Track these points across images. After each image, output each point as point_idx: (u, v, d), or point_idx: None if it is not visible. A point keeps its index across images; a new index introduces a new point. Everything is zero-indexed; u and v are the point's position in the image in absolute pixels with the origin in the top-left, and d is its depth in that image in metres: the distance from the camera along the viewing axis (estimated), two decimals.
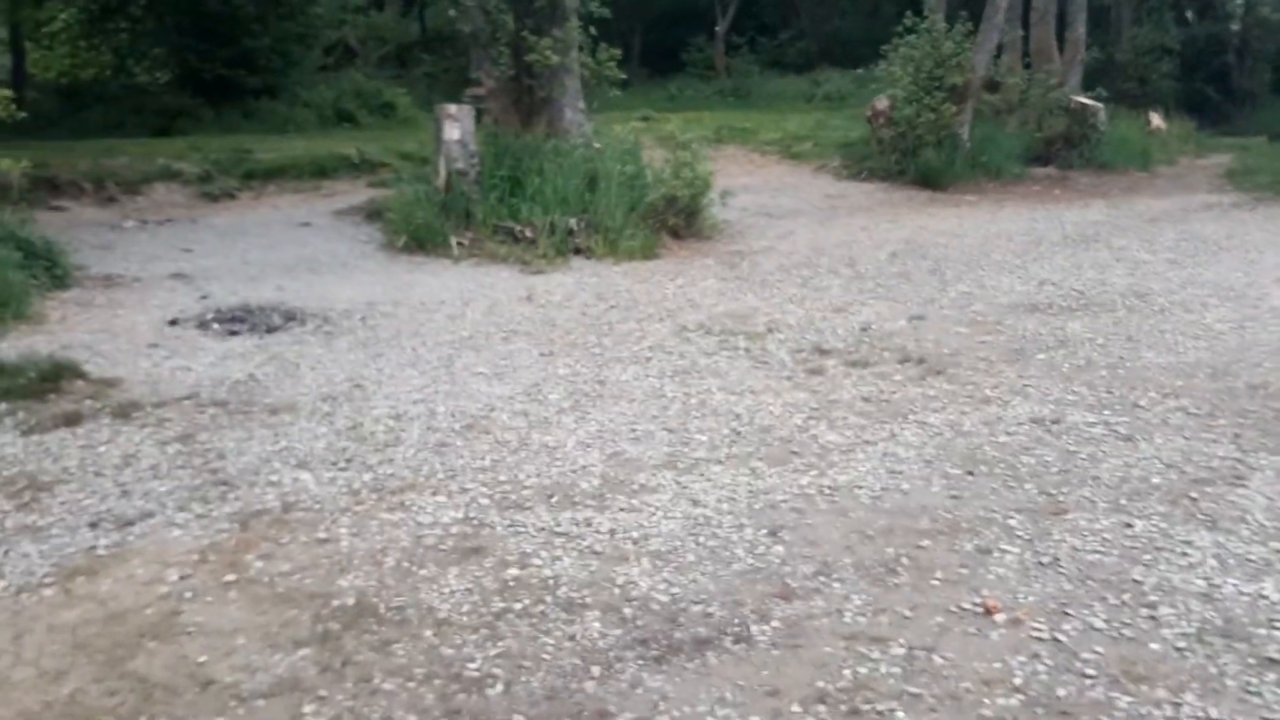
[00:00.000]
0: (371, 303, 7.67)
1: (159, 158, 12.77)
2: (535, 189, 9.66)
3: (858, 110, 21.82)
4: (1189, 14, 26.37)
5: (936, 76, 13.58)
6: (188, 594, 3.48)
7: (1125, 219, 11.25)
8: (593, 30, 10.52)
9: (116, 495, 4.32)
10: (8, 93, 8.28)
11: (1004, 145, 14.11)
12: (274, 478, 4.49)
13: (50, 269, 7.82)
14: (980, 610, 3.28)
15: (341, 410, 5.38)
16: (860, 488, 4.28)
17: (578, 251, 9.32)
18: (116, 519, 4.09)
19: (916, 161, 13.48)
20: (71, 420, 5.19)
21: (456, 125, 9.47)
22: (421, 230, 9.24)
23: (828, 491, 4.25)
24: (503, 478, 4.47)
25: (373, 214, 10.56)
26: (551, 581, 3.54)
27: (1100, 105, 14.99)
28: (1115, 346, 6.26)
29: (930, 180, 13.30)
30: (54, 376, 5.72)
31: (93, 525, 4.04)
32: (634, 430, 5.01)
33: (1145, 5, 23.85)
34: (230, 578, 3.59)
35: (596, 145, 10.12)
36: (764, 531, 3.89)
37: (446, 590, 3.48)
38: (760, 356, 6.24)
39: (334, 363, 6.24)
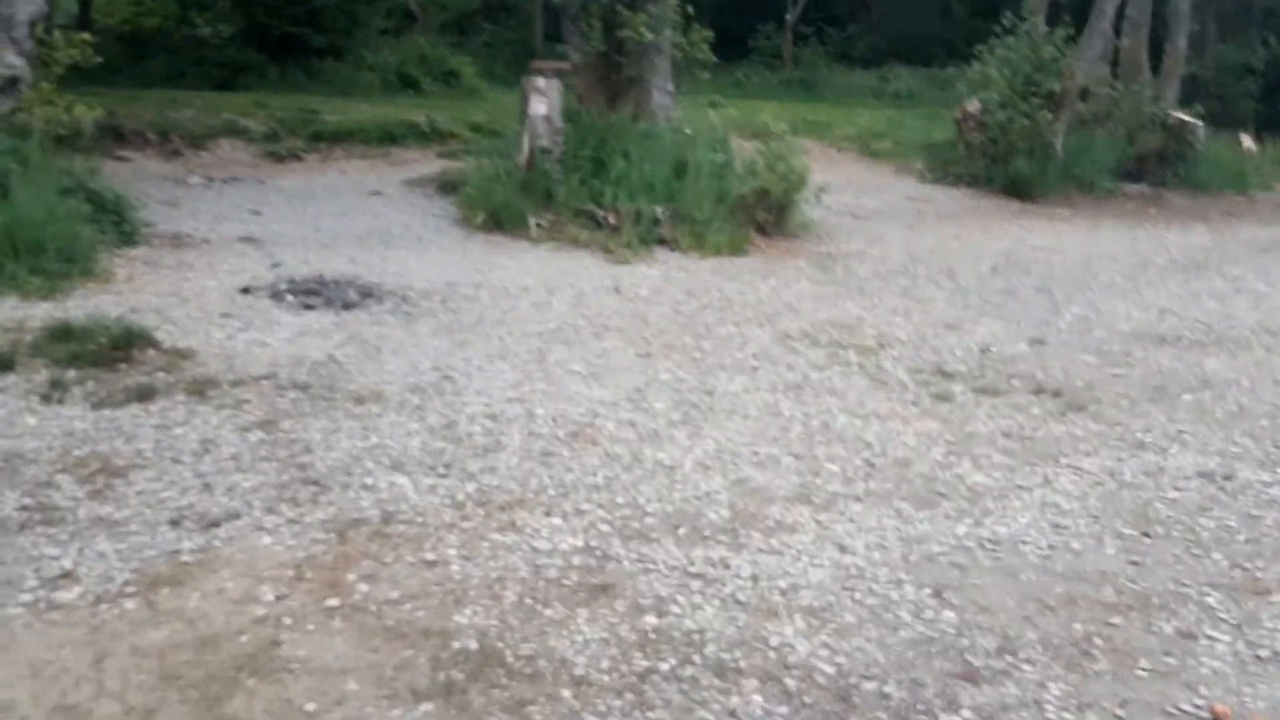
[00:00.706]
0: (451, 283, 7.25)
1: (224, 112, 12.43)
2: (620, 173, 9.20)
3: (930, 110, 21.25)
4: (1269, 37, 25.38)
5: (1034, 81, 12.98)
6: (286, 619, 3.07)
7: (1232, 246, 10.65)
8: (690, 8, 10.02)
9: (198, 488, 3.92)
10: (87, 36, 7.90)
11: (1098, 158, 13.48)
12: (368, 480, 4.08)
13: (118, 224, 7.44)
14: (1208, 716, 2.82)
15: (432, 404, 4.96)
16: (1024, 543, 3.82)
17: (661, 242, 8.86)
18: (200, 517, 3.69)
19: (1007, 169, 12.89)
20: (144, 395, 4.80)
21: (544, 100, 9.03)
22: (500, 208, 8.81)
23: (989, 545, 3.78)
24: (620, 499, 4.03)
25: (445, 186, 10.14)
26: (696, 636, 3.10)
27: (1199, 123, 14.33)
28: (1266, 392, 5.74)
29: (1020, 189, 12.73)
30: (125, 344, 5.33)
31: (174, 523, 3.64)
32: (756, 454, 4.56)
33: (1233, 23, 23.02)
34: (333, 602, 3.18)
35: (688, 130, 9.64)
36: (927, 591, 3.44)
37: (579, 639, 3.05)
38: (876, 375, 5.77)
39: (417, 348, 5.83)
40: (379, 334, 6.05)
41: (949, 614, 3.30)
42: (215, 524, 3.66)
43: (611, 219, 8.91)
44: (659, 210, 8.88)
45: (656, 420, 4.91)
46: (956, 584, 3.49)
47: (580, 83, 10.27)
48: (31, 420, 4.47)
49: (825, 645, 3.09)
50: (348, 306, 6.58)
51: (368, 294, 6.84)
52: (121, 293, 6.49)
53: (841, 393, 5.44)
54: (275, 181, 10.39)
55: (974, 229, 10.82)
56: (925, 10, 32.21)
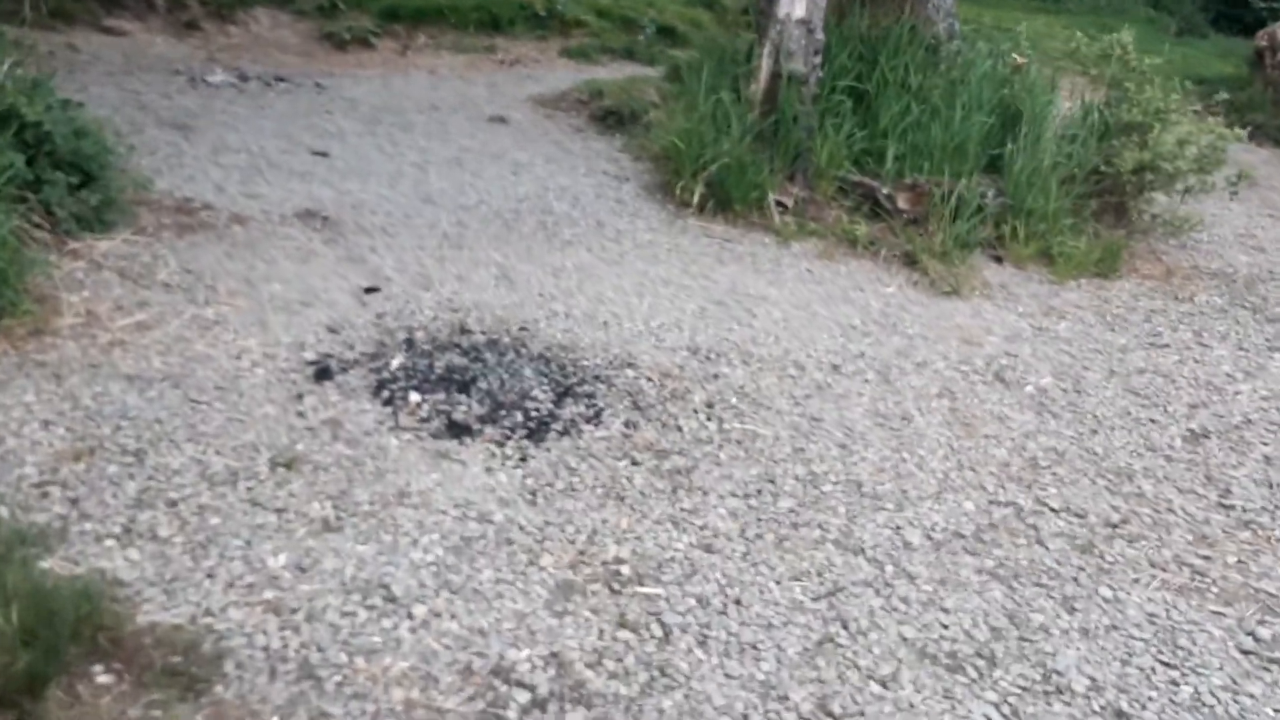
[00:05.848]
0: (697, 350, 3.83)
1: None
2: (907, 122, 5.64)
3: (1110, 21, 17.34)
4: None
5: None
6: None
7: None
8: None
9: None
10: None
11: None
12: None
13: (78, 187, 3.93)
14: None
15: None
16: None
17: (979, 246, 5.36)
18: None
19: None
20: None
21: None
22: (726, 176, 5.25)
23: None
24: None
25: (604, 117, 6.54)
26: None
27: None
28: None
29: None
30: (54, 647, 1.92)
31: None
32: None
33: None
34: None
35: (1019, 57, 6.00)
36: None
37: None
38: None
39: (741, 626, 2.47)
40: (634, 543, 2.64)
41: None
42: None
43: (900, 202, 5.39)
44: (990, 195, 5.35)
45: None
46: None
47: None
48: None
49: None
50: (535, 431, 3.14)
51: (564, 389, 3.40)
52: (62, 370, 3.07)
53: None
54: (342, 87, 6.77)
55: None
56: None
